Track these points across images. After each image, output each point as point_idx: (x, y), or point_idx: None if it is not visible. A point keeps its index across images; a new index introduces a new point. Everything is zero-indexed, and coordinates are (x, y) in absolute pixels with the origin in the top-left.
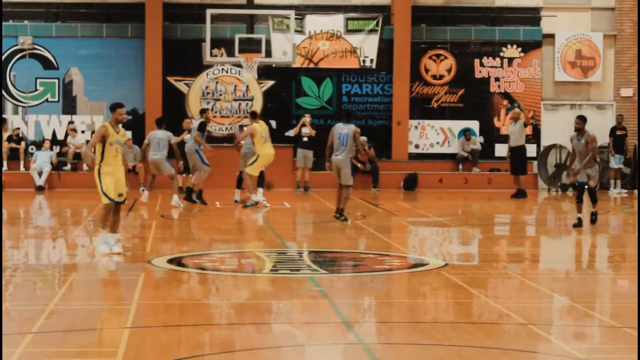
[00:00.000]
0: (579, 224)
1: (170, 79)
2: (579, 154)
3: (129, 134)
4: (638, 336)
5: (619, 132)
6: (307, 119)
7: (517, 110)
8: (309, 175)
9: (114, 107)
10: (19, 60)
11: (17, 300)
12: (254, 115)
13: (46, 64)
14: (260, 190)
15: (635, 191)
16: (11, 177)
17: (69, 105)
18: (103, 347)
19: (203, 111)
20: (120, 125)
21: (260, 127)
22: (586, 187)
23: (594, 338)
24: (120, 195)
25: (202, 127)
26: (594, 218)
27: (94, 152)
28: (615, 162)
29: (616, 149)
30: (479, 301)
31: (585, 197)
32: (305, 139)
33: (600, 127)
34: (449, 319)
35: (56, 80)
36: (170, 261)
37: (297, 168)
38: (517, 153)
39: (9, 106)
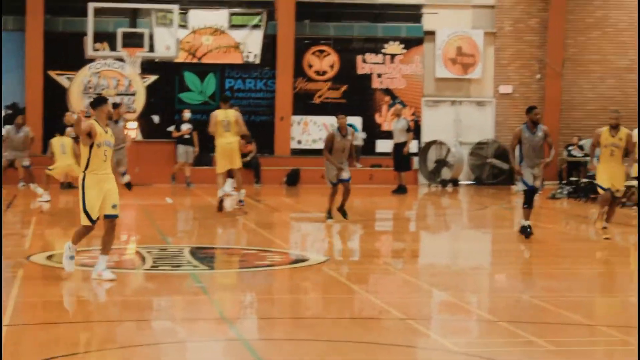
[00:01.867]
0: (529, 232)
1: (52, 73)
2: (532, 149)
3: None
4: (638, 338)
5: None
6: (186, 114)
7: (398, 106)
8: (190, 170)
9: (100, 102)
10: None
11: None
12: (225, 100)
13: None
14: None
15: (512, 187)
16: None
17: None
18: None
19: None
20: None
21: (221, 115)
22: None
23: (471, 332)
24: (113, 206)
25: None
26: (529, 231)
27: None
28: None
29: None
30: (359, 297)
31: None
32: (186, 135)
33: (480, 124)
34: (330, 314)
35: None
36: (50, 257)
37: (177, 163)
38: (400, 150)
39: None
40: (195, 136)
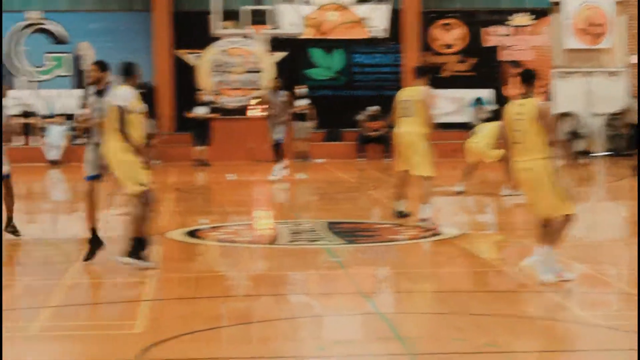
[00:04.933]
0: None
1: (179, 52)
2: None
3: None
4: (638, 334)
5: None
6: (302, 90)
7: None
8: (308, 146)
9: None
10: (30, 35)
11: (36, 275)
12: (420, 71)
13: (56, 38)
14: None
15: None
16: (24, 152)
17: (79, 80)
18: (121, 320)
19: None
20: None
21: (403, 93)
22: None
23: (611, 305)
24: None
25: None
26: None
27: None
28: None
29: None
30: (495, 270)
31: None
32: (303, 111)
33: (611, 94)
34: (466, 287)
35: (66, 55)
36: (187, 234)
37: (295, 139)
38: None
39: (20, 81)
40: (313, 111)
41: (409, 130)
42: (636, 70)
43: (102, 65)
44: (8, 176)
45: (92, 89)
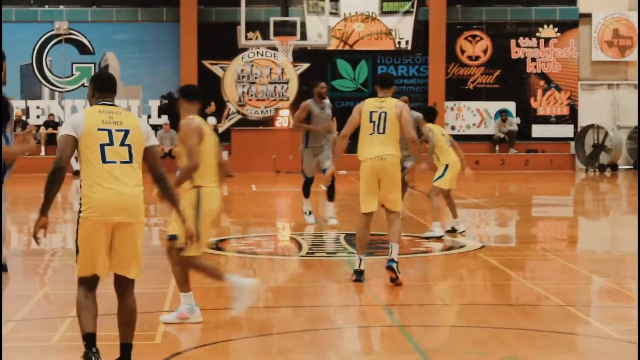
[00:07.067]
0: None
1: (206, 63)
2: None
3: (165, 118)
4: (638, 336)
5: None
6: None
7: None
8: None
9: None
10: (55, 45)
11: (56, 285)
12: (384, 82)
13: (82, 48)
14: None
15: None
16: (49, 162)
17: None
18: (141, 330)
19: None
20: None
21: (372, 104)
22: None
23: (633, 319)
24: None
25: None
26: None
27: None
28: None
29: None
30: (517, 283)
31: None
32: None
33: (636, 107)
34: (487, 301)
35: (92, 65)
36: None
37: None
38: None
39: (45, 91)
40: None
41: (385, 154)
42: None
43: None
44: None
45: None
